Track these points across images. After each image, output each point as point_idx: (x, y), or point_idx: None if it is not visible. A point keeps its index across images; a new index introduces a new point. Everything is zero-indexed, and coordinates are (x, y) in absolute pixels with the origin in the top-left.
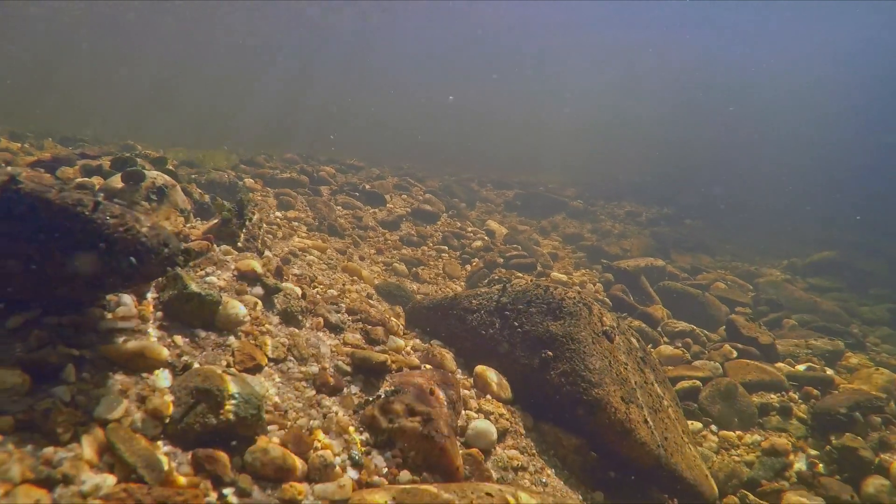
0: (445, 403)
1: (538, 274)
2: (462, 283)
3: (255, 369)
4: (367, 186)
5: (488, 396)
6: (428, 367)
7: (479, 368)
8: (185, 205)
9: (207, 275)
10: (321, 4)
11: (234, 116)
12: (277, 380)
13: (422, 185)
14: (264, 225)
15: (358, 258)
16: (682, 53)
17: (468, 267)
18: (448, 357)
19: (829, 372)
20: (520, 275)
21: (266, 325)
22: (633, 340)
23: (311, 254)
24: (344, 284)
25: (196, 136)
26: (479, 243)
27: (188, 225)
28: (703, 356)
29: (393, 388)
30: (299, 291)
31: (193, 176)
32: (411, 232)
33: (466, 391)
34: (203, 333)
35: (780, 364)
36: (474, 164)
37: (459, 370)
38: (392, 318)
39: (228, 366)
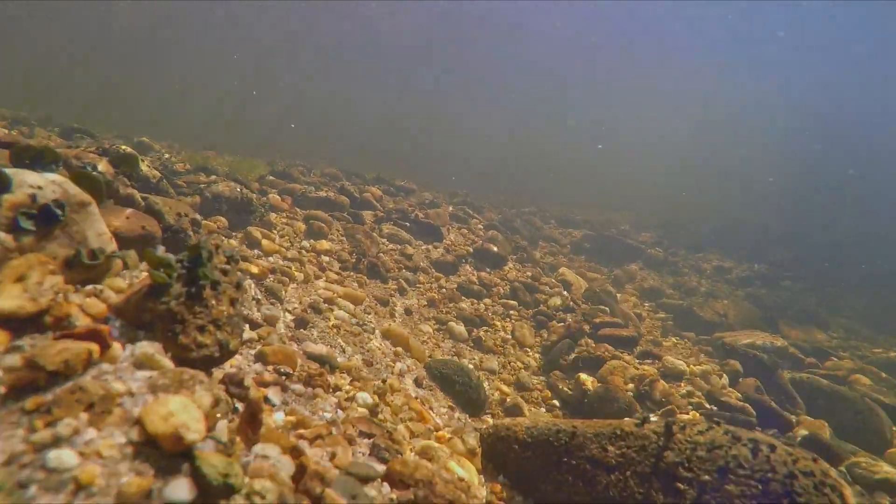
0: None
1: (642, 353)
2: (537, 356)
3: None
4: (420, 215)
5: None
6: None
7: None
8: (105, 241)
9: (54, 442)
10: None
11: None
12: None
13: (480, 216)
14: (251, 288)
15: (403, 311)
16: (785, 86)
17: (544, 332)
18: None
19: None
20: (616, 351)
21: None
22: None
23: (340, 307)
24: (382, 369)
25: (259, 143)
26: (557, 300)
27: (92, 287)
28: None
29: None
30: (284, 481)
31: (201, 186)
32: (472, 279)
33: None
34: None
35: None
36: (538, 197)
37: None
38: (462, 471)
39: None
